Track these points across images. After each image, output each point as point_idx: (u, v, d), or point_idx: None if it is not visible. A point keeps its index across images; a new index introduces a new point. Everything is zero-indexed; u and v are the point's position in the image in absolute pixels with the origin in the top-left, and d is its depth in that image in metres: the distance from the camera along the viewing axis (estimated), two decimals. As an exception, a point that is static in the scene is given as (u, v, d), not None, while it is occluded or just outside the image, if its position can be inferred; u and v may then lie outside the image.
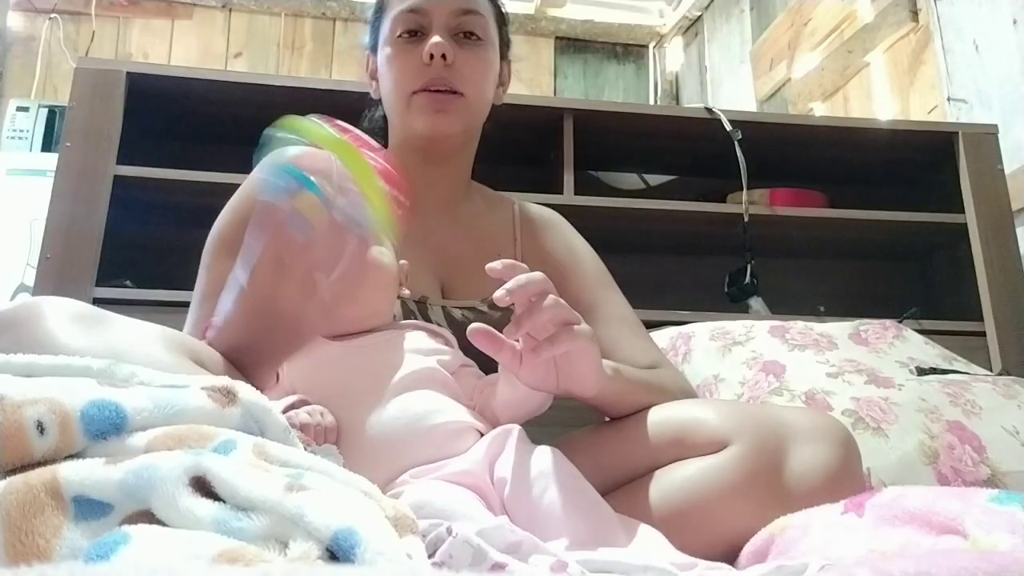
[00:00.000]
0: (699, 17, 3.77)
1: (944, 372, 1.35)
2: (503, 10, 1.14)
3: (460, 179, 1.14)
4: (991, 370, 1.60)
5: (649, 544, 0.71)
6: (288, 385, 0.88)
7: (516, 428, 0.82)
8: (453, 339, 0.96)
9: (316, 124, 0.69)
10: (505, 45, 1.13)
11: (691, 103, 3.67)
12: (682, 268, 1.98)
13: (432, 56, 1.01)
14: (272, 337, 0.73)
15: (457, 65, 1.03)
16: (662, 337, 1.49)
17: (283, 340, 0.74)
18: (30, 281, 2.27)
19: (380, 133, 1.16)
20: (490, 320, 1.03)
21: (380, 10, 1.10)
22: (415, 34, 1.04)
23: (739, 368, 1.35)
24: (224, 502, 0.44)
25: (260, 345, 0.72)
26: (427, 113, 1.03)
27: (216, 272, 1.00)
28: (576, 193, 1.76)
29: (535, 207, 1.20)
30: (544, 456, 0.77)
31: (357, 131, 0.73)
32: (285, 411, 0.79)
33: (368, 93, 1.17)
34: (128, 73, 1.67)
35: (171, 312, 1.01)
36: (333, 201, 0.67)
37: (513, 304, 1.05)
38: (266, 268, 0.69)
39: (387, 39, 1.06)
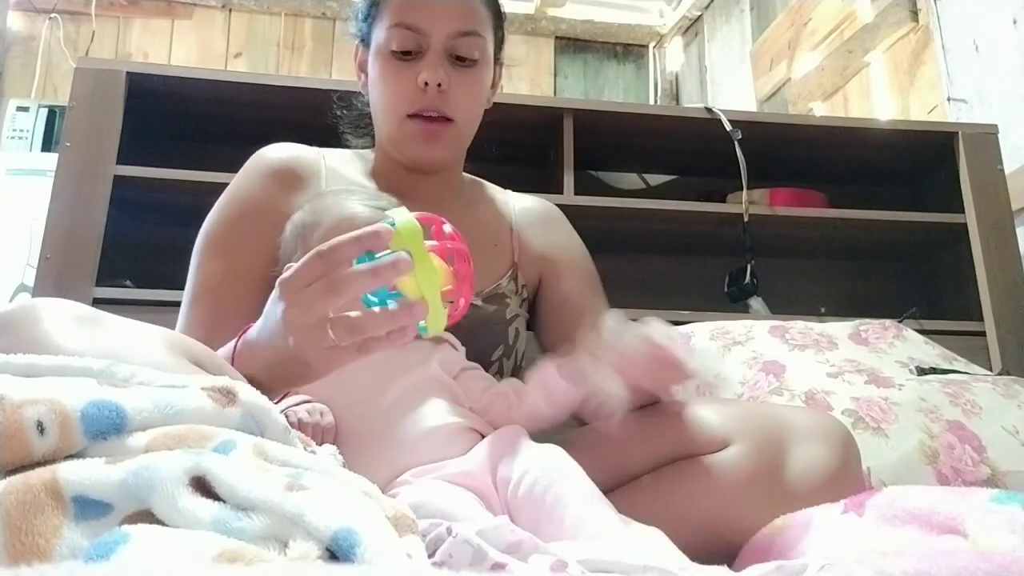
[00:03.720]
0: (699, 17, 3.77)
1: (944, 372, 1.35)
2: (501, 9, 1.10)
3: (450, 179, 1.13)
4: (991, 370, 1.60)
5: (652, 545, 0.71)
6: None
7: (519, 428, 0.82)
8: (457, 342, 0.96)
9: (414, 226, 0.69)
10: (499, 46, 1.10)
11: (691, 103, 3.67)
12: (682, 268, 1.98)
13: (427, 84, 0.99)
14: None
15: (451, 91, 1.00)
16: (662, 337, 1.49)
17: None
18: (30, 281, 2.27)
19: (367, 128, 1.15)
20: (484, 314, 1.03)
21: (375, 3, 1.05)
22: (409, 52, 1.01)
23: (739, 368, 1.35)
24: (224, 502, 0.44)
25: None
26: (418, 141, 1.02)
27: (206, 272, 1.00)
28: (576, 193, 1.76)
29: (530, 198, 1.19)
30: (549, 455, 0.78)
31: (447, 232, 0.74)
32: (284, 409, 0.79)
33: (351, 93, 1.17)
34: (128, 73, 1.67)
35: (171, 312, 1.01)
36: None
37: (506, 297, 1.05)
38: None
39: (380, 50, 1.03)
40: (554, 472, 0.75)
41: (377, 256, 0.67)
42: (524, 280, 1.10)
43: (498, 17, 1.09)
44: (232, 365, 0.74)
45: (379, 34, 1.03)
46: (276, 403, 0.69)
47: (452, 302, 0.71)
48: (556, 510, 0.72)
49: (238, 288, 0.97)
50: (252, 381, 0.64)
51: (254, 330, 0.76)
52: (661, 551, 0.70)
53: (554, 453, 0.78)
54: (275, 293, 0.72)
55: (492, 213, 1.14)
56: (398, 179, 1.07)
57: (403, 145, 1.03)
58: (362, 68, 1.10)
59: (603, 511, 0.73)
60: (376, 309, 0.69)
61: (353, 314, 0.68)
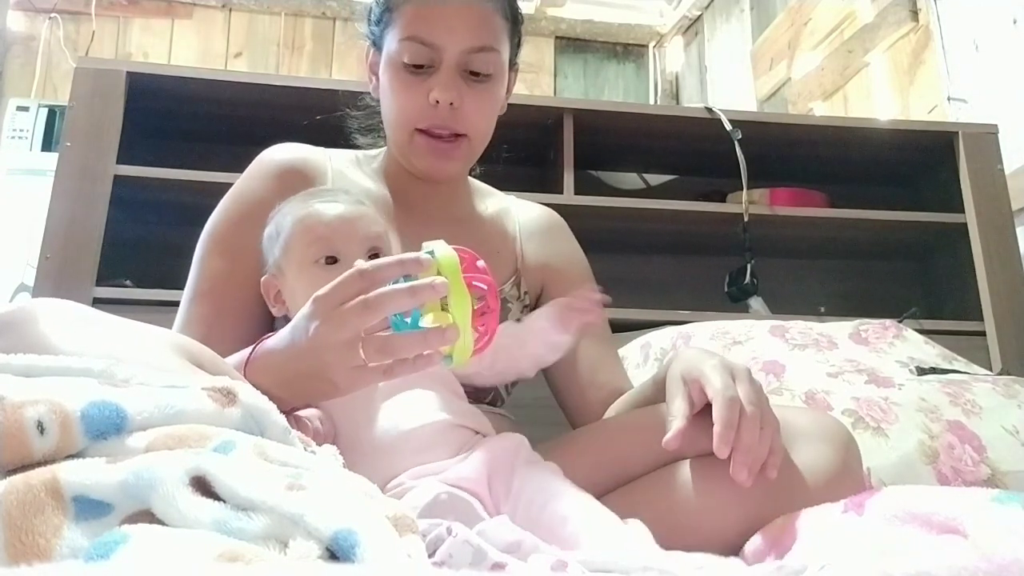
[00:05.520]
0: (699, 17, 3.77)
1: (944, 372, 1.35)
2: (519, 15, 1.07)
3: (457, 186, 1.12)
4: (991, 370, 1.60)
5: (638, 542, 0.71)
6: None
7: (517, 441, 0.82)
8: None
9: (450, 254, 0.72)
10: (515, 51, 1.08)
11: (691, 103, 3.67)
12: (682, 268, 1.98)
13: (438, 101, 0.97)
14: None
15: (463, 107, 0.98)
16: (662, 337, 1.49)
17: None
18: (30, 281, 2.27)
19: (376, 128, 1.15)
20: None
21: (389, 9, 1.02)
22: (422, 65, 0.98)
23: (739, 368, 1.34)
24: (224, 502, 0.44)
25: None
26: (428, 156, 1.01)
27: (209, 270, 1.00)
28: (576, 193, 1.76)
29: (535, 208, 1.19)
30: (541, 473, 0.78)
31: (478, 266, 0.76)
32: (291, 412, 0.79)
33: (362, 93, 1.16)
34: (128, 73, 1.67)
35: (171, 312, 1.01)
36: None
37: (508, 302, 1.06)
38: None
39: (392, 60, 1.00)
40: (548, 489, 0.75)
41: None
42: (526, 288, 1.10)
43: (515, 24, 1.06)
44: (243, 372, 0.74)
45: (391, 44, 1.00)
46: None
47: (477, 333, 0.72)
48: (555, 526, 0.72)
49: (240, 288, 0.97)
50: (265, 392, 0.63)
51: (274, 341, 0.76)
52: (646, 547, 0.70)
53: (547, 471, 0.78)
54: (306, 309, 0.72)
55: (497, 220, 1.14)
56: (406, 183, 1.07)
57: (413, 158, 1.02)
58: (373, 71, 1.08)
59: (603, 520, 0.73)
60: (408, 331, 0.70)
61: (385, 334, 0.69)
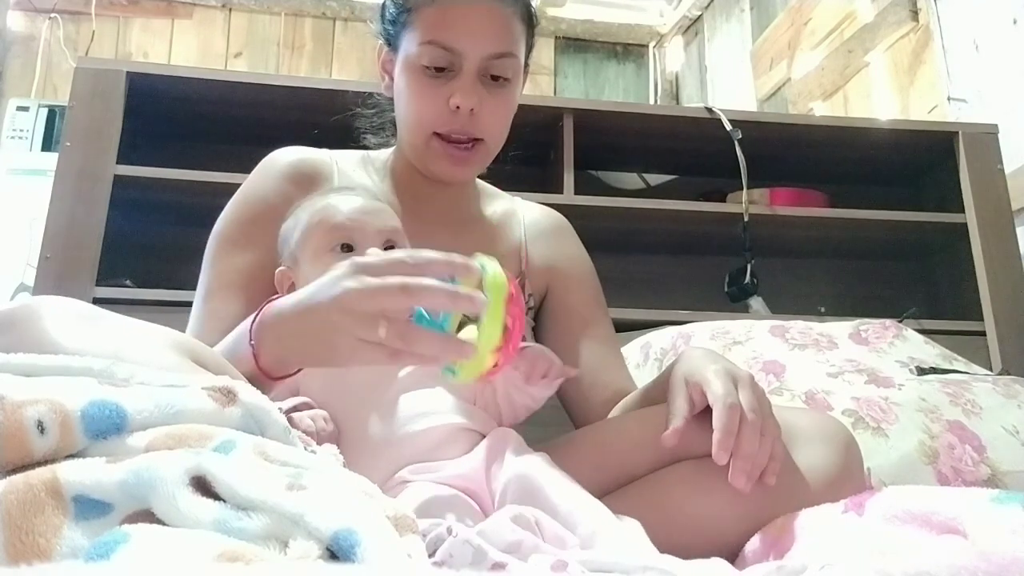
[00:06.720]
0: (699, 17, 3.77)
1: (944, 372, 1.35)
2: (534, 19, 1.07)
3: (466, 187, 1.12)
4: (991, 370, 1.60)
5: (631, 539, 0.71)
6: (292, 382, 0.87)
7: (509, 433, 0.82)
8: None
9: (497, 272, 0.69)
10: (528, 53, 1.08)
11: (691, 103, 3.67)
12: (682, 268, 1.98)
13: (459, 107, 0.96)
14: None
15: (482, 112, 0.97)
16: (662, 337, 1.49)
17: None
18: (30, 281, 2.27)
19: (391, 129, 1.14)
20: None
21: (407, 10, 1.00)
22: (442, 68, 0.97)
23: (739, 368, 1.34)
24: (224, 502, 0.44)
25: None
26: (445, 162, 1.00)
27: (220, 269, 1.00)
28: (576, 193, 1.76)
29: (541, 210, 1.19)
30: (534, 462, 0.78)
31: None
32: (289, 412, 0.79)
33: (369, 93, 1.16)
34: (128, 73, 1.67)
35: (171, 312, 1.01)
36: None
37: (521, 301, 1.05)
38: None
39: (410, 63, 0.99)
40: (539, 477, 0.76)
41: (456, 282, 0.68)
42: (531, 290, 1.10)
43: (531, 27, 1.06)
44: (252, 328, 0.74)
45: (409, 46, 0.99)
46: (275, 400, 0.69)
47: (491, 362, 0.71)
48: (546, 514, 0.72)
49: (256, 281, 0.97)
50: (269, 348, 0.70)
51: (289, 296, 0.74)
52: (639, 545, 0.70)
53: (539, 460, 0.79)
54: (341, 269, 0.69)
55: (503, 222, 1.13)
56: (414, 184, 1.06)
57: (429, 161, 1.02)
58: (386, 69, 1.07)
59: (593, 512, 0.73)
60: (433, 330, 0.68)
61: (412, 323, 0.67)
